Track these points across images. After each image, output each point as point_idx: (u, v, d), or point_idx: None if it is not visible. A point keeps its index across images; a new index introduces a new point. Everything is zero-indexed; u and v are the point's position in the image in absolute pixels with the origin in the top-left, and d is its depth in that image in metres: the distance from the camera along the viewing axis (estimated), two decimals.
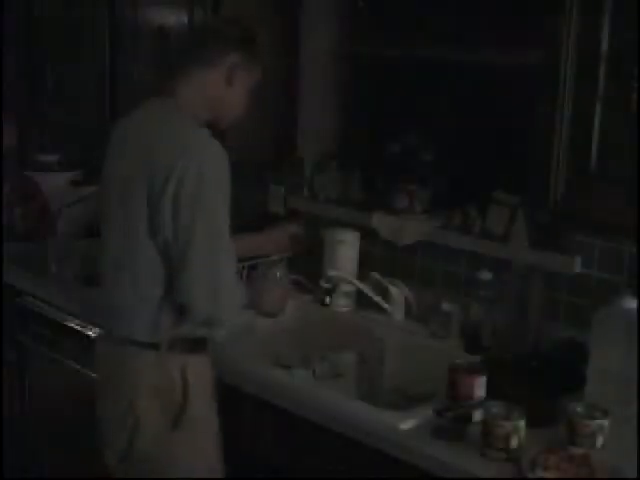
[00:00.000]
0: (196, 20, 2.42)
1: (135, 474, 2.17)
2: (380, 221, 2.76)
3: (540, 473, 1.81)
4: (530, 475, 1.81)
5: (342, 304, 2.75)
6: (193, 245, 2.01)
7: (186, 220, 2.00)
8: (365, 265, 2.73)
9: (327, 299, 2.69)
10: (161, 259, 2.06)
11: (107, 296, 2.21)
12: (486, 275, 2.44)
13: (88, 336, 2.82)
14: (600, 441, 1.92)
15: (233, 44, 2.15)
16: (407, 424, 2.04)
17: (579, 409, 1.96)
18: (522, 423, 1.90)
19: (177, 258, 2.04)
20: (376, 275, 2.63)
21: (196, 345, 2.16)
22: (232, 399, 2.33)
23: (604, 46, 1.95)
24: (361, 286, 2.65)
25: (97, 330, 2.37)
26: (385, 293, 2.64)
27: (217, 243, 2.05)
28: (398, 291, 2.63)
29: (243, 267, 2.75)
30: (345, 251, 2.72)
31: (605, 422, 1.92)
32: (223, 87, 2.15)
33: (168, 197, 1.99)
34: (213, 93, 2.16)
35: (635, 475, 1.82)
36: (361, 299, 2.72)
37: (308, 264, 2.76)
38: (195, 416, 2.13)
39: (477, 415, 2.01)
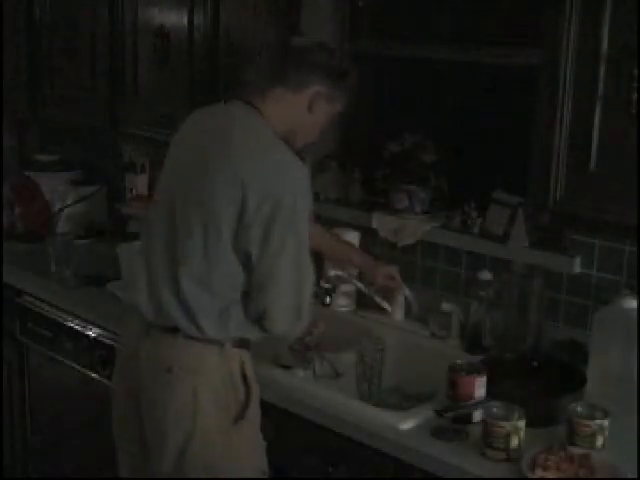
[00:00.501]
0: (293, 39, 2.32)
1: (191, 469, 2.11)
2: (380, 221, 2.76)
3: (540, 473, 1.81)
4: (530, 475, 1.81)
5: (342, 304, 2.75)
6: (281, 264, 2.03)
7: (277, 242, 2.01)
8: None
9: (327, 299, 2.69)
10: (238, 267, 2.06)
11: (155, 291, 2.12)
12: (486, 275, 2.44)
13: (88, 336, 2.82)
14: (600, 441, 1.92)
15: (320, 73, 2.14)
16: (407, 424, 2.04)
17: (579, 409, 1.96)
18: (522, 423, 1.90)
19: (262, 273, 2.04)
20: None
21: (245, 340, 2.16)
22: None
23: (604, 46, 1.95)
24: (361, 286, 2.65)
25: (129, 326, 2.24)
26: (385, 293, 2.64)
27: (302, 261, 2.07)
28: (398, 291, 2.63)
29: None
30: None
31: (605, 422, 1.92)
32: (304, 112, 2.15)
33: (262, 218, 1.99)
34: (294, 116, 2.15)
35: (635, 475, 1.82)
36: (361, 299, 2.72)
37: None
38: (254, 411, 2.13)
39: (477, 415, 2.01)
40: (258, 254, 2.02)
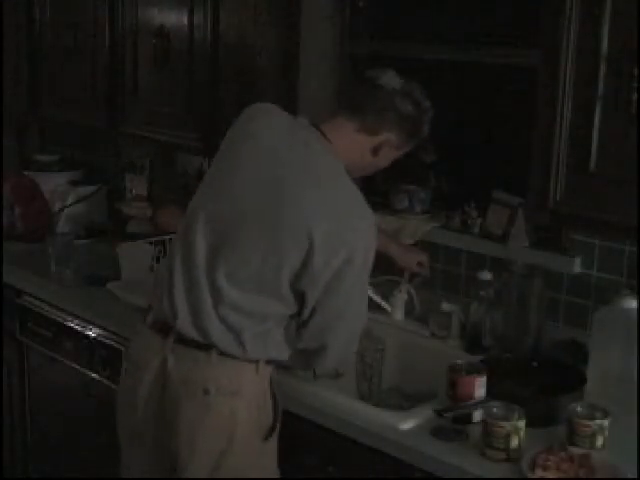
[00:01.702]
0: (376, 73, 2.11)
1: None
2: (380, 221, 2.76)
3: (540, 473, 1.81)
4: (530, 475, 1.81)
5: None
6: (344, 313, 2.02)
7: (344, 294, 1.99)
8: None
9: None
10: (292, 302, 2.02)
11: (194, 306, 2.03)
12: (486, 275, 2.44)
13: (88, 336, 2.82)
14: (600, 441, 1.91)
15: (398, 121, 2.07)
16: (407, 424, 2.04)
17: (579, 409, 1.96)
18: (522, 423, 1.90)
19: (324, 319, 2.01)
20: (376, 275, 2.63)
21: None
22: None
23: (604, 46, 1.95)
24: None
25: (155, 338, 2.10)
26: (385, 293, 2.64)
27: (363, 309, 2.09)
28: (398, 291, 2.63)
29: None
30: None
31: (605, 422, 1.92)
32: (369, 153, 2.10)
33: (330, 271, 1.94)
34: (360, 154, 2.10)
35: (635, 475, 1.82)
36: None
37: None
38: (279, 427, 2.12)
39: (477, 415, 2.01)
40: (321, 301, 1.99)
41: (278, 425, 2.11)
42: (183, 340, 2.03)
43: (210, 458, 2.03)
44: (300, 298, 2.00)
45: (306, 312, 2.02)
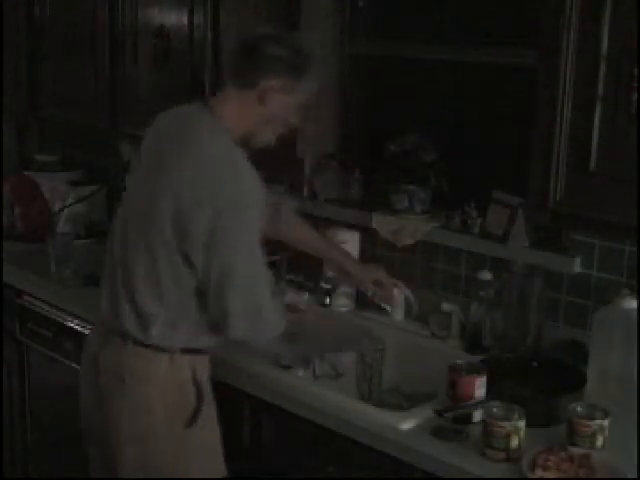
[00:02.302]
0: (243, 34, 2.22)
1: (147, 473, 2.15)
2: (380, 221, 2.76)
3: (540, 473, 1.81)
4: (530, 475, 1.81)
5: (342, 304, 2.75)
6: (232, 268, 2.02)
7: (226, 250, 2.00)
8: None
9: (327, 299, 2.69)
10: (185, 274, 2.05)
11: (114, 297, 2.17)
12: (486, 275, 2.44)
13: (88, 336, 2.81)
14: (600, 441, 1.91)
15: (269, 67, 2.06)
16: (407, 424, 2.04)
17: (579, 409, 1.96)
18: (522, 423, 1.90)
19: (213, 280, 2.03)
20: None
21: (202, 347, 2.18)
22: (232, 399, 2.33)
23: (604, 46, 1.95)
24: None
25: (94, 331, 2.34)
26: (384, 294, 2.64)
27: (256, 264, 2.06)
28: (398, 291, 2.63)
29: None
30: None
31: (605, 422, 1.92)
32: (256, 106, 2.09)
33: (202, 228, 1.98)
34: (247, 112, 2.10)
35: (635, 475, 1.82)
36: (361, 299, 2.72)
37: (308, 264, 2.76)
38: (207, 415, 2.15)
39: (477, 415, 2.01)
40: (206, 263, 2.01)
41: (206, 418, 2.13)
42: (109, 330, 2.17)
43: (133, 443, 2.12)
44: (191, 266, 2.04)
45: (200, 279, 2.05)
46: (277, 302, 2.16)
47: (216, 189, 1.99)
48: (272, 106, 2.09)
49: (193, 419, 2.13)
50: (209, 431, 2.18)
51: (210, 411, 2.18)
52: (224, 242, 2.00)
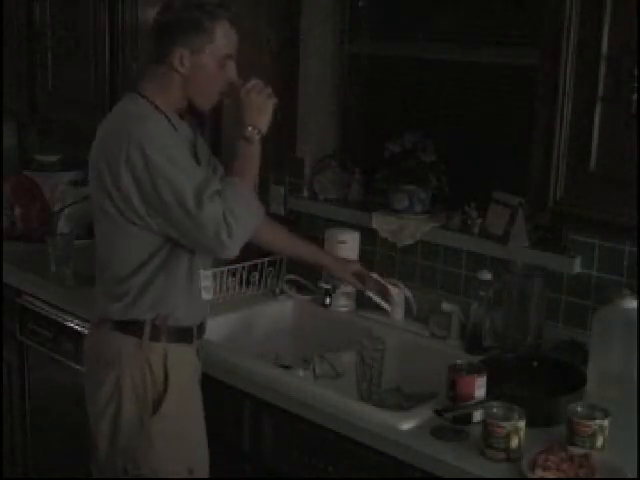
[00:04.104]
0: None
1: (119, 459, 2.19)
2: (380, 221, 2.76)
3: (540, 473, 1.81)
4: (530, 475, 1.81)
5: (342, 304, 2.75)
6: (183, 191, 2.03)
7: (159, 187, 2.03)
8: (365, 265, 2.73)
9: (327, 299, 2.69)
10: (144, 237, 2.13)
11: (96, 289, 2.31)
12: (486, 275, 2.44)
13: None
14: (600, 441, 1.91)
15: (174, 33, 2.10)
16: (407, 424, 2.04)
17: (579, 409, 1.96)
18: (522, 423, 1.90)
19: (176, 211, 2.04)
20: (376, 275, 2.63)
21: (179, 334, 2.20)
22: (232, 399, 2.33)
23: (604, 46, 1.95)
24: (361, 286, 2.65)
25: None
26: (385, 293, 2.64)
27: (194, 171, 2.09)
28: (398, 291, 2.63)
29: (243, 267, 2.75)
30: (345, 251, 2.72)
31: (605, 422, 1.92)
32: (174, 75, 2.13)
33: (123, 179, 2.06)
34: (169, 84, 2.15)
35: (635, 475, 1.82)
36: (361, 299, 2.72)
37: (308, 264, 2.76)
38: (175, 403, 2.16)
39: (477, 415, 2.01)
40: (153, 210, 2.06)
41: (172, 407, 2.15)
42: (91, 321, 2.32)
43: (106, 423, 2.18)
44: (143, 221, 2.10)
45: (159, 230, 2.10)
46: (231, 190, 2.10)
47: (119, 141, 2.08)
48: (190, 70, 2.12)
49: (157, 407, 2.15)
50: (177, 423, 2.18)
51: (182, 400, 2.18)
52: (154, 184, 2.03)
